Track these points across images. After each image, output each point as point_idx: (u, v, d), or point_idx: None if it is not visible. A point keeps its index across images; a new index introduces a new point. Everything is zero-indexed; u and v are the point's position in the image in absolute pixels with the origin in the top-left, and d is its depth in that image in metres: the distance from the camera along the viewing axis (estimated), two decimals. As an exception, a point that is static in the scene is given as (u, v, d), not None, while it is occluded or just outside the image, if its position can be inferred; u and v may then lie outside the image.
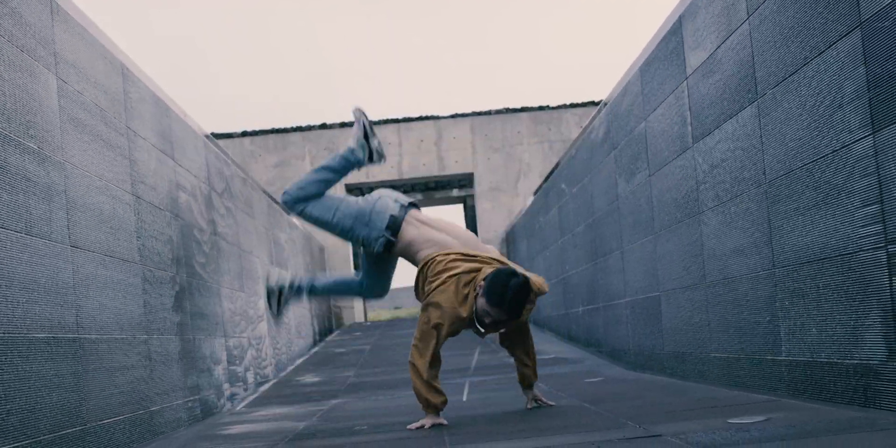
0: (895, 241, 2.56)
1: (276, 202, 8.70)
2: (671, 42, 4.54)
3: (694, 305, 4.40)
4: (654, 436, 2.41)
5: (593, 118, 6.51)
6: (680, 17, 4.40)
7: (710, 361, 4.20)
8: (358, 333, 11.86)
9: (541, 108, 15.39)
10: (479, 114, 15.31)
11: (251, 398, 5.94)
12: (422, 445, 2.74)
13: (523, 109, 15.38)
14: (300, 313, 9.64)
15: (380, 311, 29.06)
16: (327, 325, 12.77)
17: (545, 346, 8.05)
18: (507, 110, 15.36)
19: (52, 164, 3.07)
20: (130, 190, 3.90)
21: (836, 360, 2.95)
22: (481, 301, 3.26)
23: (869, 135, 2.68)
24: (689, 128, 4.33)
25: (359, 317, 15.93)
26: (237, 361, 5.82)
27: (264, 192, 8.01)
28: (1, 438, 2.50)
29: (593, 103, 15.33)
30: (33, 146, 2.92)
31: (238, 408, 5.44)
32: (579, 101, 15.51)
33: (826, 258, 2.99)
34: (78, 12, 3.53)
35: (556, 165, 8.39)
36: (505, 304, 3.21)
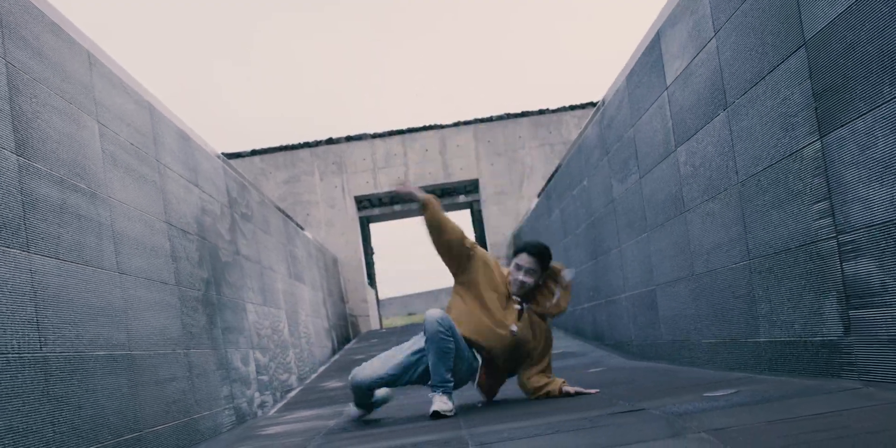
0: (844, 231, 2.92)
1: (290, 218, 9.11)
2: (652, 54, 4.91)
3: (685, 297, 4.77)
4: (638, 410, 2.79)
5: (587, 124, 6.89)
6: (658, 32, 4.77)
7: (701, 347, 4.57)
8: (375, 340, 12.23)
9: (541, 112, 15.75)
10: (481, 120, 15.68)
11: (280, 404, 6.32)
12: (441, 428, 3.12)
13: (524, 114, 15.75)
14: (318, 324, 10.03)
15: (394, 318, 29.45)
16: (345, 334, 13.16)
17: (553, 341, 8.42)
18: (508, 115, 15.73)
19: (100, 201, 3.47)
20: (164, 218, 4.30)
21: (804, 339, 3.31)
22: (511, 266, 4.13)
23: (817, 140, 3.05)
24: (672, 133, 4.70)
25: (374, 325, 16.30)
26: (265, 371, 6.21)
27: (278, 208, 8.40)
28: (75, 442, 2.89)
29: (592, 104, 15.68)
30: (83, 186, 3.32)
31: (269, 413, 5.83)
32: (578, 102, 15.87)
33: (791, 249, 3.36)
34: (109, 59, 3.93)
35: (557, 168, 8.76)
36: (526, 246, 4.09)
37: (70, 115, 3.32)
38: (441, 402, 3.65)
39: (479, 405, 4.06)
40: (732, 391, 2.93)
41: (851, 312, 2.91)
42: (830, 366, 3.09)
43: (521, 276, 4.06)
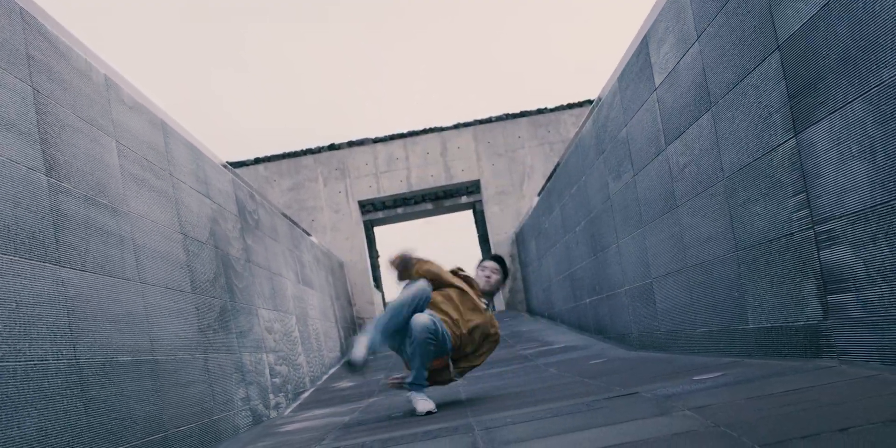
0: (820, 221, 3.12)
1: (296, 224, 9.32)
2: (640, 57, 5.11)
3: (680, 289, 4.98)
4: (632, 394, 3.00)
5: (583, 124, 7.10)
6: (646, 36, 4.97)
7: (696, 336, 4.77)
8: (384, 342, 12.41)
9: (539, 112, 15.95)
10: (481, 122, 15.89)
11: (294, 405, 6.53)
12: (449, 417, 3.34)
13: (522, 114, 15.95)
14: (327, 327, 10.24)
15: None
16: (352, 337, 13.36)
17: (557, 337, 8.63)
18: (507, 116, 15.93)
19: (121, 216, 3.68)
20: (179, 229, 4.51)
21: (788, 324, 3.52)
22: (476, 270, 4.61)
23: (792, 137, 3.26)
24: (662, 132, 4.90)
25: (383, 326, 16.48)
26: (278, 374, 6.42)
27: (284, 215, 8.61)
28: (107, 442, 3.10)
29: (589, 102, 15.88)
30: (105, 202, 3.53)
31: (285, 414, 6.04)
32: (575, 100, 16.07)
33: (773, 239, 3.56)
34: (123, 81, 4.14)
35: (556, 167, 8.96)
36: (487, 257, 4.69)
37: (91, 135, 3.53)
38: (425, 402, 4.00)
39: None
40: (719, 374, 3.14)
41: (829, 297, 3.11)
42: (812, 348, 3.29)
43: (485, 274, 4.59)
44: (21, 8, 3.11)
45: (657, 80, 4.86)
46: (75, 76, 3.51)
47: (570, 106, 15.97)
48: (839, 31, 2.82)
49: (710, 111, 4.10)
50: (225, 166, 6.11)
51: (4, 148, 2.76)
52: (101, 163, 3.59)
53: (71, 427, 2.82)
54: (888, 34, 2.56)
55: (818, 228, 3.14)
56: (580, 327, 8.78)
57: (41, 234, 2.89)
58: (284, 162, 15.76)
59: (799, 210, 3.28)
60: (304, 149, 15.77)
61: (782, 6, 3.20)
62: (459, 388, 5.11)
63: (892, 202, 2.61)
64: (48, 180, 3.02)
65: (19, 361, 2.59)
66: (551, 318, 11.03)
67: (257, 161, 15.74)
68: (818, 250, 3.16)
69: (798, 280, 3.37)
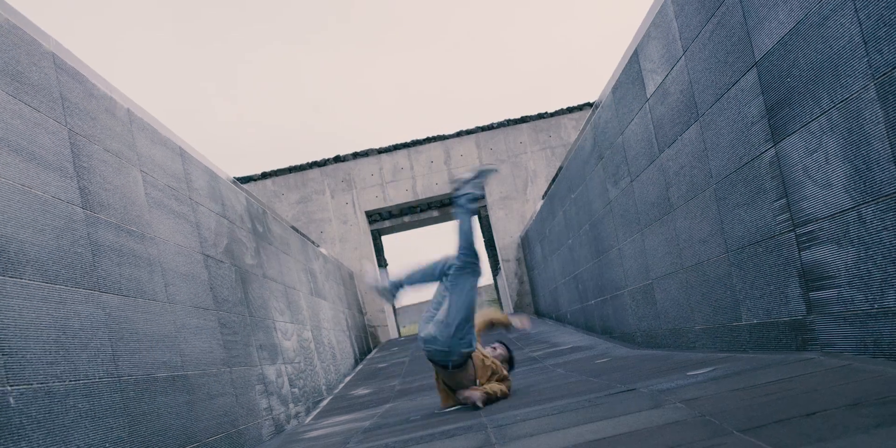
0: (800, 224, 3.37)
1: (306, 237, 9.58)
2: (632, 69, 5.36)
3: (678, 289, 5.22)
4: (630, 390, 3.25)
5: (581, 131, 7.35)
6: (636, 49, 5.22)
7: (695, 333, 5.01)
8: (395, 349, 12.67)
9: (540, 117, 16.21)
10: (483, 128, 16.14)
11: (314, 413, 6.77)
12: (464, 417, 3.59)
13: (523, 120, 16.21)
14: (340, 336, 10.49)
15: (412, 326, 29.86)
16: (365, 345, 13.63)
17: (564, 337, 8.87)
18: (509, 122, 16.19)
19: (148, 241, 3.94)
20: (200, 250, 4.77)
21: (775, 319, 3.76)
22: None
23: (771, 147, 3.50)
24: (655, 141, 5.15)
25: (393, 334, 16.74)
26: (297, 384, 6.67)
27: (294, 229, 8.86)
28: (148, 452, 3.35)
29: (589, 105, 16.13)
30: (134, 229, 3.79)
31: (305, 422, 6.28)
32: (575, 104, 16.31)
33: (759, 241, 3.80)
34: (144, 113, 4.40)
35: (558, 172, 9.20)
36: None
37: (118, 167, 3.80)
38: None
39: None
40: (711, 369, 3.39)
41: (811, 294, 3.35)
42: (798, 341, 3.53)
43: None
44: (53, 54, 3.37)
45: (648, 91, 5.10)
46: (101, 112, 3.77)
47: (570, 110, 16.22)
48: (807, 51, 3.07)
49: (697, 121, 4.34)
50: (235, 183, 6.36)
51: (47, 185, 3.02)
52: (129, 192, 3.85)
53: (114, 442, 3.08)
54: (845, 55, 2.81)
55: (799, 231, 3.38)
56: (587, 328, 9.02)
57: (82, 262, 3.15)
58: (291, 176, 16.05)
59: (781, 214, 3.52)
60: (310, 162, 16.06)
61: (758, 26, 3.45)
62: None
63: (861, 206, 2.86)
64: (84, 212, 3.28)
65: (68, 381, 2.84)
66: (558, 319, 11.26)
67: (265, 176, 16.02)
68: (799, 251, 3.40)
69: (783, 279, 3.61)
